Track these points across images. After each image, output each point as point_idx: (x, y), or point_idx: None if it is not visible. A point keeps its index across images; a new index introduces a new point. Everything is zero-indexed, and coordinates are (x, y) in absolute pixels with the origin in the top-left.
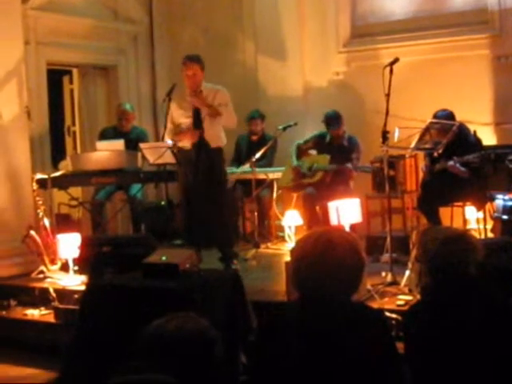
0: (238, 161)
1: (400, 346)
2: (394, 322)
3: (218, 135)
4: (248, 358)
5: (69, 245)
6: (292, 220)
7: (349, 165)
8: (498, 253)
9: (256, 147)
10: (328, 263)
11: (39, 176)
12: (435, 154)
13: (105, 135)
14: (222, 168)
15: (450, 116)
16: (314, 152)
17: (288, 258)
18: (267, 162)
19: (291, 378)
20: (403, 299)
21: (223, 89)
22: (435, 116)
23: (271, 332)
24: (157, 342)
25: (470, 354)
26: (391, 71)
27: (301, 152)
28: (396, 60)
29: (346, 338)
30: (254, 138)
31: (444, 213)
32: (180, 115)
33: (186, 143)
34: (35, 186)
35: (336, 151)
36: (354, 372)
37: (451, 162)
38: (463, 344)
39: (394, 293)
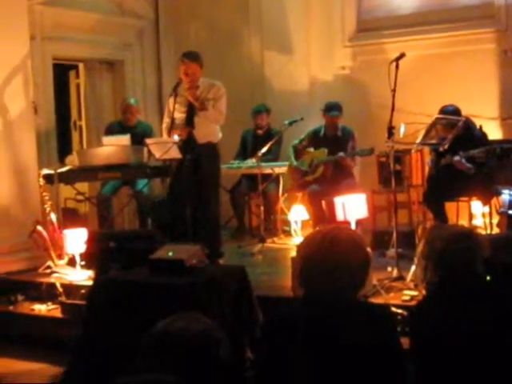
0: (244, 155)
1: (405, 341)
2: (399, 317)
3: (209, 131)
4: (254, 353)
5: (75, 240)
6: (298, 215)
7: (341, 153)
8: (505, 249)
9: (262, 141)
10: (334, 261)
11: (46, 171)
12: (441, 149)
13: (110, 130)
14: (212, 164)
15: (456, 111)
16: (311, 149)
17: (294, 253)
18: (273, 156)
19: (296, 374)
20: (409, 294)
21: (219, 84)
22: (441, 111)
23: (277, 328)
24: (162, 344)
25: (476, 351)
26: (397, 66)
27: (298, 152)
28: (402, 55)
29: (350, 335)
30: (260, 132)
31: (450, 207)
32: (176, 110)
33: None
34: (42, 182)
35: (332, 143)
36: (358, 369)
37: (457, 157)
38: (469, 341)
39: (400, 288)
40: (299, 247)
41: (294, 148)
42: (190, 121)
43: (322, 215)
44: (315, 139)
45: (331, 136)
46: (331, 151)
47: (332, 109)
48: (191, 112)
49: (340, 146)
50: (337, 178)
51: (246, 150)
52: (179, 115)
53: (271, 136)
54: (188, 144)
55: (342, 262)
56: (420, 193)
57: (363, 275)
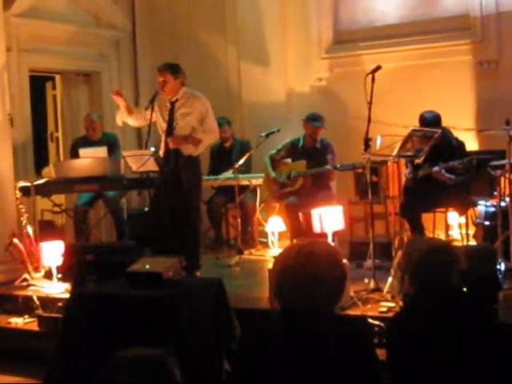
0: (215, 170)
1: (382, 352)
2: (376, 328)
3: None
4: (231, 365)
5: (52, 252)
6: (275, 226)
7: (328, 166)
8: (481, 260)
9: (230, 153)
10: (310, 276)
11: (22, 184)
12: (416, 162)
13: (76, 147)
14: (193, 176)
15: (436, 118)
16: (288, 160)
17: (271, 265)
18: (245, 167)
19: None
20: (386, 306)
21: (200, 96)
22: (421, 117)
23: (254, 342)
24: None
25: (452, 363)
26: (373, 79)
27: (275, 162)
28: (378, 68)
29: (327, 349)
30: (226, 144)
31: (426, 218)
32: (157, 118)
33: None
34: (18, 194)
35: (310, 155)
36: (336, 381)
37: (436, 168)
38: (445, 353)
39: (377, 299)
40: (275, 261)
41: (270, 158)
42: (170, 133)
43: (299, 227)
44: (293, 150)
45: (310, 148)
46: (310, 163)
47: (315, 119)
48: (171, 125)
49: (319, 158)
50: (314, 190)
51: (216, 164)
52: (162, 124)
53: (238, 146)
54: (170, 156)
55: (317, 277)
56: (397, 204)
57: (339, 289)
